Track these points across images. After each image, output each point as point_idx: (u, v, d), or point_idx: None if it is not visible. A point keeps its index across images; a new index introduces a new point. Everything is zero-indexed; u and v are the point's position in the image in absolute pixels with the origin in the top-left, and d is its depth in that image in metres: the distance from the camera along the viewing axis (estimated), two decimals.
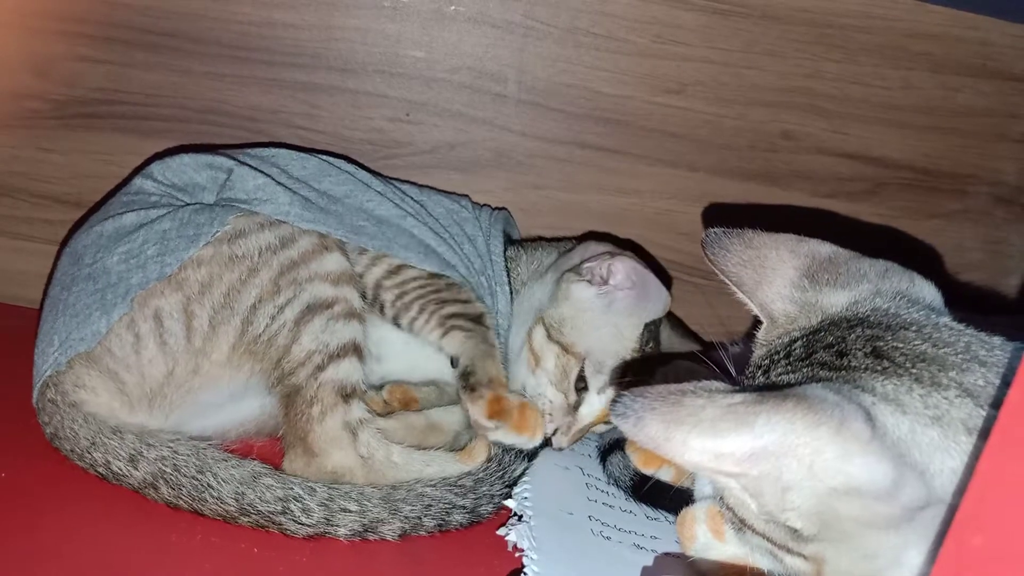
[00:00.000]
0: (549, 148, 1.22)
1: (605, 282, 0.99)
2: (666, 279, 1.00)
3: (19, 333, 0.97)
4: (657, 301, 0.99)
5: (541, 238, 1.21)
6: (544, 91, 1.20)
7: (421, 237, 1.02)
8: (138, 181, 0.96)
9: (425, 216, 1.05)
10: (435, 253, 1.02)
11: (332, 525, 0.79)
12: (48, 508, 0.79)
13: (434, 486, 0.85)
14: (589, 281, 1.00)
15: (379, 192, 1.03)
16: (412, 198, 1.07)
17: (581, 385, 0.99)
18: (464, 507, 0.84)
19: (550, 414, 0.98)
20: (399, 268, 1.00)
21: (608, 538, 0.83)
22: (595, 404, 0.99)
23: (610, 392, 1.00)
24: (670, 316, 1.14)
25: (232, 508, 0.79)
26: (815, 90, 1.22)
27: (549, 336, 1.00)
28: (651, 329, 1.02)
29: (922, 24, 1.20)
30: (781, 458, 0.47)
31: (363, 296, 0.96)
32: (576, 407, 0.99)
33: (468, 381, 0.93)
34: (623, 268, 0.99)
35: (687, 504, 0.78)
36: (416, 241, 1.01)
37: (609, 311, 0.99)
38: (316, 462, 0.86)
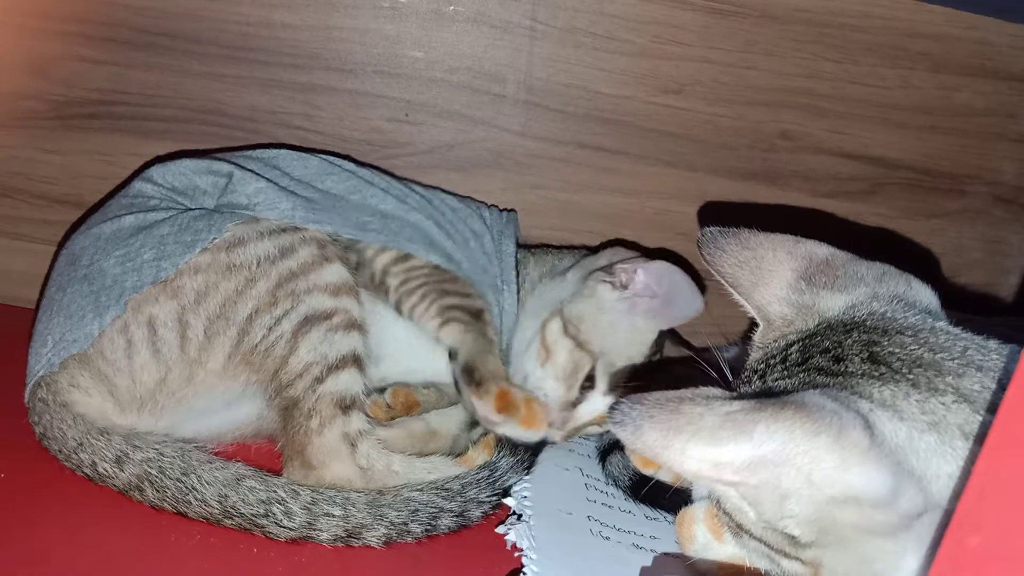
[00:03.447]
0: (548, 148, 1.22)
1: (625, 288, 1.00)
2: (700, 285, 0.99)
3: (17, 334, 0.97)
4: (688, 308, 0.98)
5: (545, 244, 1.21)
6: (543, 91, 1.20)
7: (426, 230, 1.02)
8: (137, 184, 0.95)
9: (431, 210, 1.05)
10: (439, 247, 1.02)
11: (315, 529, 0.78)
12: (47, 509, 0.79)
13: (421, 490, 0.84)
14: (613, 284, 1.01)
15: (383, 189, 1.03)
16: (418, 193, 1.07)
17: (588, 384, 0.99)
18: (452, 511, 0.83)
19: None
20: (407, 256, 1.01)
21: (607, 538, 0.83)
22: (598, 404, 0.99)
23: (611, 399, 1.00)
24: None
25: (216, 510, 0.78)
26: (814, 90, 1.22)
27: (565, 330, 1.00)
28: (662, 337, 1.04)
29: (921, 24, 1.20)
30: (780, 467, 0.47)
31: (371, 278, 0.98)
32: (576, 404, 0.99)
33: (472, 377, 0.93)
34: (646, 277, 0.99)
35: (686, 504, 0.78)
36: (421, 234, 1.01)
37: (631, 314, 1.00)
38: (315, 475, 0.85)
